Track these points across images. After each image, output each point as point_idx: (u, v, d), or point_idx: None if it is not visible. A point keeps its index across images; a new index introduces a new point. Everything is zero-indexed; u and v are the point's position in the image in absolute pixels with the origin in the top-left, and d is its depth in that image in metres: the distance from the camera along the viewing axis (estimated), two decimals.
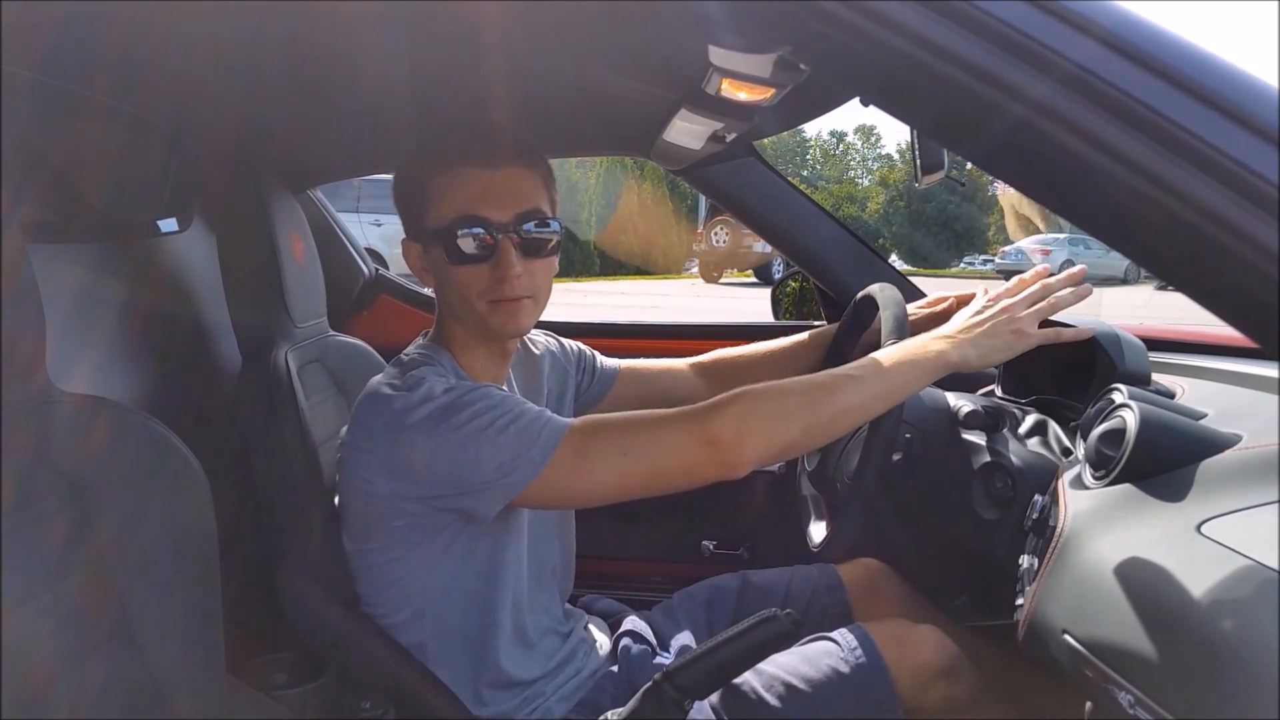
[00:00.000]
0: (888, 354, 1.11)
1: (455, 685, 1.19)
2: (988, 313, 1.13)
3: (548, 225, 1.15)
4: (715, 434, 1.03)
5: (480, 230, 1.11)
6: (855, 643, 1.22)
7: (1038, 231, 20.41)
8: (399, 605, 1.18)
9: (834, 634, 1.25)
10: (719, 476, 1.06)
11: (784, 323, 2.21)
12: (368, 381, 1.17)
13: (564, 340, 1.46)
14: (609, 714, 1.26)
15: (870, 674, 1.19)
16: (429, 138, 1.18)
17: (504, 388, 1.25)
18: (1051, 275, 1.15)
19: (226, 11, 1.07)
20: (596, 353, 1.48)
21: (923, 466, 1.25)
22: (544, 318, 1.25)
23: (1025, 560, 1.00)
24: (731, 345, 1.98)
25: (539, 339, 1.42)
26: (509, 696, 1.21)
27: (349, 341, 1.62)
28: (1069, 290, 1.12)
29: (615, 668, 1.30)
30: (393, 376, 1.14)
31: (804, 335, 1.55)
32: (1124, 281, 14.21)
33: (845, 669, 1.19)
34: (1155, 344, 1.27)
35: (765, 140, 1.99)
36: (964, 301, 1.47)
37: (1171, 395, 1.08)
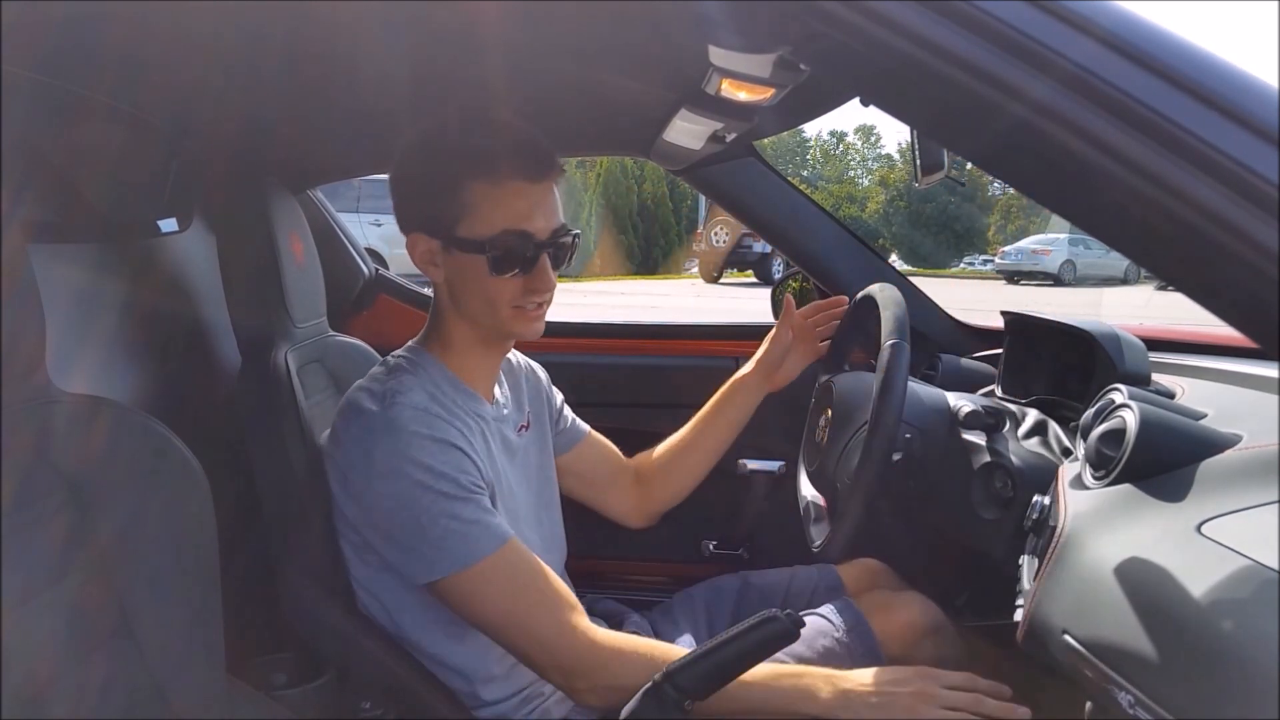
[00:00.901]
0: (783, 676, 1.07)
1: (455, 685, 1.19)
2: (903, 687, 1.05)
3: (569, 233, 1.16)
4: (588, 667, 1.07)
5: (526, 244, 1.12)
6: (844, 621, 1.27)
7: None
8: (397, 606, 1.18)
9: (823, 609, 1.30)
10: (556, 682, 1.11)
11: None
12: None
13: (549, 379, 1.47)
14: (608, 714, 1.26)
15: (863, 654, 1.24)
16: (470, 140, 1.12)
17: (495, 390, 1.27)
18: None
19: (227, 12, 1.07)
20: (567, 405, 1.49)
21: (923, 466, 1.25)
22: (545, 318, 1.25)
23: (1025, 560, 1.00)
24: (731, 346, 1.98)
25: (520, 360, 1.42)
26: (508, 697, 1.21)
27: (349, 341, 1.62)
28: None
29: None
30: (370, 388, 1.15)
31: (716, 396, 1.55)
32: (1124, 281, 14.15)
33: (839, 649, 1.24)
34: (1155, 344, 1.27)
35: (765, 140, 1.99)
36: (822, 309, 1.54)
37: (1171, 395, 1.08)
